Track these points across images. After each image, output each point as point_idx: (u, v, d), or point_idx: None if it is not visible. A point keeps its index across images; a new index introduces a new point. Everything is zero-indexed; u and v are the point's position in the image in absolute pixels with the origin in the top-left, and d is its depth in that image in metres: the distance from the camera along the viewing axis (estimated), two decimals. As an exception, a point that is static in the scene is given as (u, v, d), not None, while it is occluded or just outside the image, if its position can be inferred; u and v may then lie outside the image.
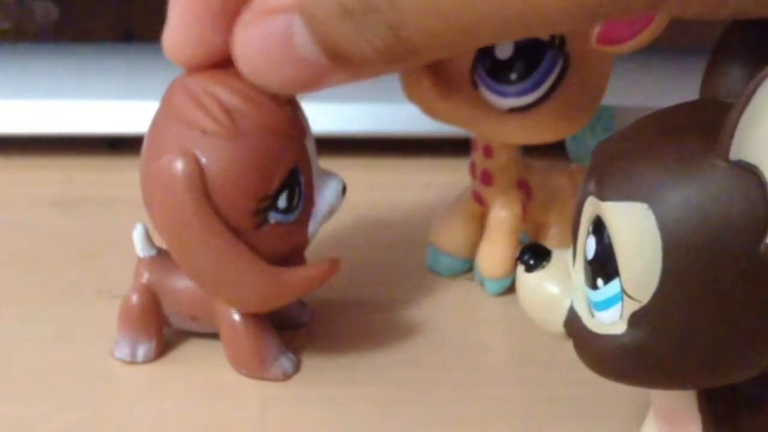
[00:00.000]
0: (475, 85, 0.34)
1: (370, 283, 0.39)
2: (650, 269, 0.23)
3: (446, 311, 0.38)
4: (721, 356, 0.24)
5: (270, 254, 0.32)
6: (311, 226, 0.33)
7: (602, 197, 0.24)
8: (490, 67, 0.34)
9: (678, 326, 0.23)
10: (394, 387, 0.34)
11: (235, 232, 0.31)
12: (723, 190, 0.23)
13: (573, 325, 0.26)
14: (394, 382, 0.34)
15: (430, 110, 0.35)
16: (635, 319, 0.24)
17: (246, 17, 0.28)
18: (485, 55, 0.34)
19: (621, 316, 0.24)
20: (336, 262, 0.33)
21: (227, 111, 0.30)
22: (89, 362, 0.35)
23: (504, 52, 0.33)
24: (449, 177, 0.46)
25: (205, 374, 0.34)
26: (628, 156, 0.24)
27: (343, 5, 0.25)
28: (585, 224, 0.25)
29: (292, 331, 0.36)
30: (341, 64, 0.27)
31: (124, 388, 0.34)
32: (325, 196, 0.33)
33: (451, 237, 0.39)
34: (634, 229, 0.23)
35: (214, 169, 0.30)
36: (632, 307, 0.24)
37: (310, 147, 0.33)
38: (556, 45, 0.33)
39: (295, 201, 0.32)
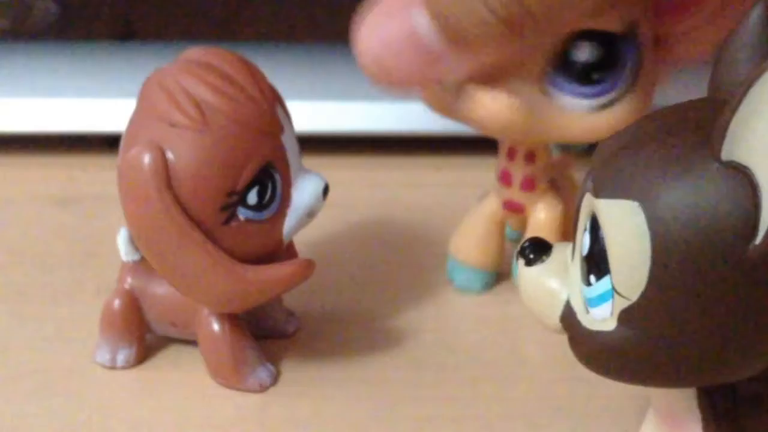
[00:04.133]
0: (544, 93, 0.33)
1: (370, 282, 0.39)
2: (639, 267, 0.23)
3: (446, 311, 0.38)
4: (711, 356, 0.24)
5: (241, 252, 0.31)
6: (286, 226, 0.32)
7: (596, 194, 0.24)
8: (568, 71, 0.33)
9: (667, 325, 0.23)
10: (394, 386, 0.34)
11: (203, 227, 0.31)
12: (713, 191, 0.23)
13: (568, 319, 0.26)
14: (394, 381, 0.34)
15: (503, 129, 0.33)
16: (624, 317, 0.24)
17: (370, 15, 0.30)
18: (560, 61, 0.33)
19: (611, 313, 0.24)
20: (309, 263, 0.32)
21: (197, 104, 0.30)
22: (90, 361, 0.35)
23: (581, 54, 0.33)
24: (451, 176, 0.46)
25: (206, 372, 0.34)
26: (623, 154, 0.24)
27: None
28: (582, 220, 0.25)
29: (292, 328, 0.36)
30: (457, 44, 0.30)
31: (125, 386, 0.34)
32: (303, 195, 0.32)
33: (472, 250, 0.38)
34: (625, 226, 0.23)
35: (181, 161, 0.30)
36: (622, 304, 0.24)
37: (290, 144, 0.32)
38: (630, 35, 0.33)
39: (267, 198, 0.31)
